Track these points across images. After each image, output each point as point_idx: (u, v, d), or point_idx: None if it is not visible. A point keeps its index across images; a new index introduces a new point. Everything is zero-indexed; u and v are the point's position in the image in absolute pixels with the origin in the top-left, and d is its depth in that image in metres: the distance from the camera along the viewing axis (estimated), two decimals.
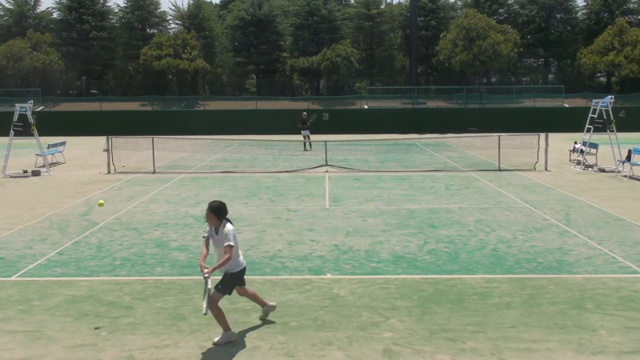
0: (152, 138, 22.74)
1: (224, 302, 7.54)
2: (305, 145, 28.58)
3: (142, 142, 26.08)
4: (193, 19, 56.97)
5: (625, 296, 7.70)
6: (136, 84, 58.14)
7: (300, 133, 29.37)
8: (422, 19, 56.78)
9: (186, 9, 58.54)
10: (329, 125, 41.23)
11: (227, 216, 6.57)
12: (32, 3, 57.36)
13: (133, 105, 46.59)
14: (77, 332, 6.68)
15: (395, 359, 5.96)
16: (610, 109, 20.13)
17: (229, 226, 6.47)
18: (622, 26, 50.25)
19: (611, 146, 20.42)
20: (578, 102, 45.41)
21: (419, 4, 54.63)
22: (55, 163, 23.60)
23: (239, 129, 40.25)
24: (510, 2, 58.45)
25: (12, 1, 56.59)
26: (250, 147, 30.07)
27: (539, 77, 60.48)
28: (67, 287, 8.27)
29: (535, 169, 20.57)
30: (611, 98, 20.63)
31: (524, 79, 60.96)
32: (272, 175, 19.73)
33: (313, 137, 29.45)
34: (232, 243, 6.38)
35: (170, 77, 54.07)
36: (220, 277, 6.58)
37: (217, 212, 6.44)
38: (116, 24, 58.19)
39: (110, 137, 21.90)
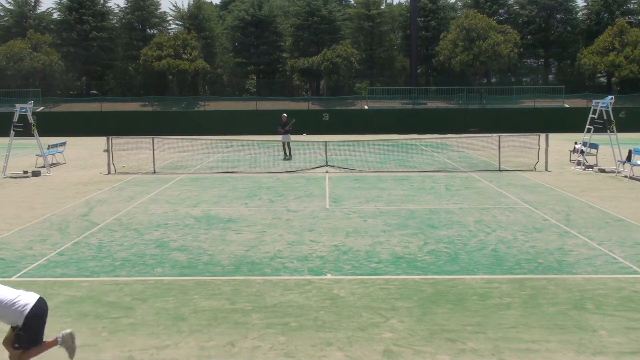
0: (152, 138, 22.74)
1: (223, 303, 7.55)
2: (285, 153, 25.18)
3: (142, 143, 26.09)
4: (193, 19, 56.97)
5: (626, 297, 7.70)
6: (136, 85, 58.13)
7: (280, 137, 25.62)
8: (422, 19, 56.77)
9: (186, 10, 58.56)
10: (329, 125, 41.27)
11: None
12: (33, 3, 57.36)
13: (133, 106, 46.59)
14: (78, 333, 6.66)
15: None
16: (610, 109, 20.12)
17: None
18: (623, 26, 50.24)
19: (611, 146, 20.41)
20: (578, 102, 45.41)
21: (419, 5, 54.62)
22: (56, 163, 23.60)
23: (239, 129, 40.27)
24: (510, 2, 58.44)
25: (12, 2, 56.60)
26: (250, 148, 30.07)
27: (539, 77, 60.47)
28: (67, 287, 8.27)
29: (535, 169, 20.57)
30: (611, 98, 20.61)
31: (524, 79, 60.93)
32: (272, 176, 19.73)
33: (314, 137, 29.35)
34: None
35: (170, 77, 54.05)
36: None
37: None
38: (116, 25, 58.19)
39: (110, 137, 21.90)
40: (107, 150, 21.46)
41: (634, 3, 56.12)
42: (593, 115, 20.93)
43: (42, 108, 45.12)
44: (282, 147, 25.59)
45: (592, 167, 20.88)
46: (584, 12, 58.62)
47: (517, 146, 26.71)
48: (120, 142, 24.52)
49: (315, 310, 7.28)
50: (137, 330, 6.73)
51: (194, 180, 18.81)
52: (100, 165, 22.68)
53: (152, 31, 58.95)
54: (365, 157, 25.51)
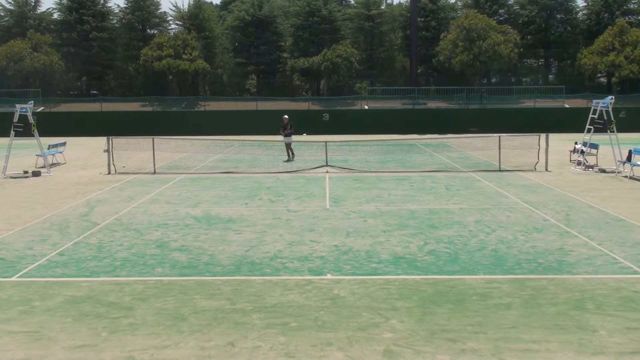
0: (153, 139, 22.74)
1: (223, 303, 7.55)
2: (288, 155, 24.68)
3: (142, 143, 26.09)
4: (193, 19, 56.98)
5: (626, 297, 7.70)
6: (136, 85, 58.12)
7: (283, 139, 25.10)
8: (423, 19, 56.77)
9: (186, 10, 58.57)
10: (329, 125, 41.27)
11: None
12: (33, 4, 57.35)
13: (133, 106, 46.58)
14: (78, 333, 6.68)
15: None
16: (610, 109, 20.12)
17: None
18: (623, 27, 50.23)
19: (611, 147, 20.40)
20: (578, 102, 45.39)
21: (419, 5, 54.62)
22: (56, 164, 23.60)
23: (239, 129, 40.28)
24: (510, 2, 58.46)
25: (12, 2, 56.61)
26: (250, 148, 30.07)
27: (540, 77, 60.48)
28: (68, 287, 8.27)
29: (535, 169, 20.57)
30: (611, 98, 20.60)
31: (524, 79, 60.96)
32: (273, 176, 19.73)
33: (313, 138, 29.30)
34: None
35: (170, 77, 54.06)
36: None
37: None
38: (116, 25, 58.20)
39: (110, 137, 21.91)
40: (107, 151, 21.46)
41: (634, 3, 56.13)
42: (593, 116, 20.92)
43: (42, 108, 45.11)
44: (285, 149, 25.08)
45: (592, 167, 20.88)
46: (584, 12, 58.66)
47: (517, 146, 26.71)
48: (121, 142, 24.53)
49: (315, 310, 7.28)
50: (137, 330, 6.73)
51: (194, 181, 18.81)
52: (100, 166, 22.68)
53: (152, 31, 58.93)
54: (365, 157, 25.51)
